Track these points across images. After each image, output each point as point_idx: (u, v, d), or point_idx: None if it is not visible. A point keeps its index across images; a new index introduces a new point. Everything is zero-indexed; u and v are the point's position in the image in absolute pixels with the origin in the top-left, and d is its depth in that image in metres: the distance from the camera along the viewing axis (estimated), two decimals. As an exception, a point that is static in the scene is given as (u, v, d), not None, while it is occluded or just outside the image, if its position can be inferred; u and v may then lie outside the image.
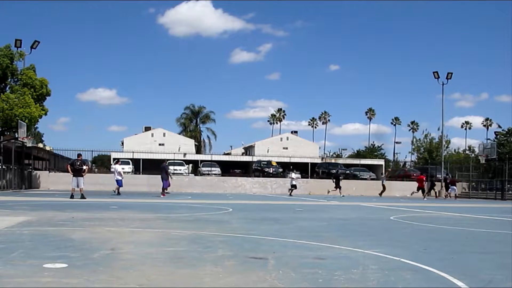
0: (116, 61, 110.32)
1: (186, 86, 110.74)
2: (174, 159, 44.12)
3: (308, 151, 61.34)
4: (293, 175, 31.78)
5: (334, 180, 30.57)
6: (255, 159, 49.47)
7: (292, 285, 4.23)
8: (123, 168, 26.80)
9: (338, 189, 29.66)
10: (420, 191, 30.61)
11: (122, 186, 24.32)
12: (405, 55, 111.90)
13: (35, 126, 39.86)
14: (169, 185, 23.44)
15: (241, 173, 47.25)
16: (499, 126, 52.05)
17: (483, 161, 36.72)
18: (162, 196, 22.27)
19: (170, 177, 23.54)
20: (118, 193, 23.35)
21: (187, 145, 61.33)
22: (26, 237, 7.11)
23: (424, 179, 31.54)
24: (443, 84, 39.18)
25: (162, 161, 27.74)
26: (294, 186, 30.42)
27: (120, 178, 23.97)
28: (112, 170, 27.45)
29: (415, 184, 39.35)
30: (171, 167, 40.20)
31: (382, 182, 35.14)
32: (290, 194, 29.81)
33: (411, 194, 31.82)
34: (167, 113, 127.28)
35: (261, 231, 8.55)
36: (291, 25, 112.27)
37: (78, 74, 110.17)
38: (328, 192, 30.40)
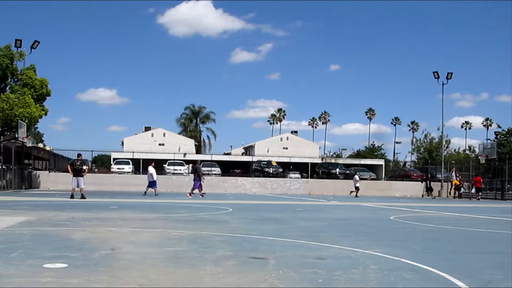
0: (116, 61, 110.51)
1: (186, 86, 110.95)
2: (174, 159, 44.15)
3: (308, 151, 61.29)
4: (357, 177, 32.62)
5: (426, 182, 32.45)
6: (255, 159, 49.45)
7: (292, 285, 4.23)
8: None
9: (430, 191, 31.83)
10: (476, 191, 32.51)
11: (156, 187, 24.63)
12: (405, 55, 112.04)
13: (35, 126, 39.88)
14: (200, 186, 23.71)
15: (241, 173, 47.26)
16: (499, 126, 52.17)
17: (483, 161, 36.72)
18: (201, 196, 22.61)
19: (202, 179, 23.74)
20: (155, 194, 23.74)
21: (187, 145, 61.31)
22: (26, 237, 7.11)
23: (481, 180, 33.20)
24: (443, 84, 39.23)
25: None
26: (357, 188, 31.15)
27: (153, 179, 24.31)
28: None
29: (415, 184, 39.56)
30: (170, 167, 40.48)
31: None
32: (355, 195, 30.66)
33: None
34: (167, 113, 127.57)
35: (261, 231, 8.55)
36: (291, 25, 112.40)
37: (78, 74, 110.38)
38: (422, 196, 32.49)
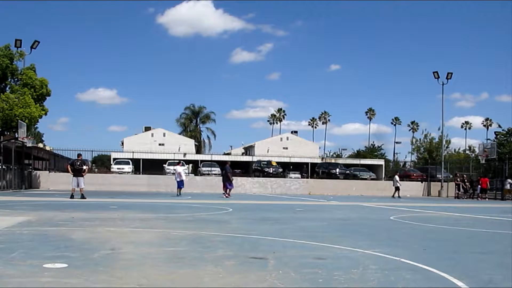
0: (116, 61, 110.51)
1: (186, 86, 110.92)
2: (174, 159, 44.13)
3: (308, 151, 61.30)
4: (397, 177, 32.65)
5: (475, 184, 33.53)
6: (255, 159, 49.46)
7: (292, 285, 4.23)
8: (184, 170, 27.33)
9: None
10: (481, 191, 32.82)
11: (184, 187, 24.68)
12: (405, 55, 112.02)
13: (35, 126, 39.89)
14: (232, 187, 23.72)
15: (241, 173, 47.21)
16: (499, 126, 52.10)
17: (483, 161, 36.71)
18: (225, 197, 22.56)
19: (232, 179, 23.74)
20: (179, 194, 23.85)
21: (187, 145, 61.30)
22: (26, 237, 7.11)
23: (488, 181, 33.56)
24: (443, 84, 39.21)
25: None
26: (397, 188, 31.16)
27: (179, 179, 24.40)
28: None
29: (415, 184, 39.53)
30: (170, 167, 40.44)
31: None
32: (397, 196, 30.60)
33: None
34: (167, 113, 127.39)
35: (261, 231, 8.55)
36: (291, 25, 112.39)
37: (78, 74, 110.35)
38: (478, 198, 32.66)
